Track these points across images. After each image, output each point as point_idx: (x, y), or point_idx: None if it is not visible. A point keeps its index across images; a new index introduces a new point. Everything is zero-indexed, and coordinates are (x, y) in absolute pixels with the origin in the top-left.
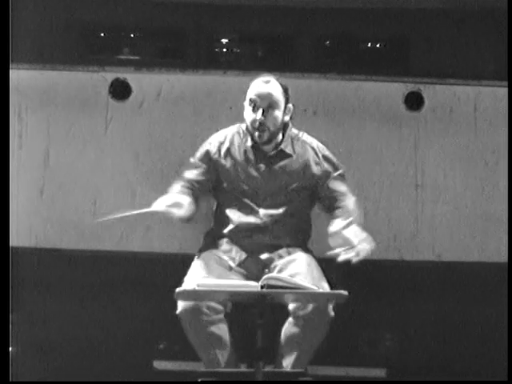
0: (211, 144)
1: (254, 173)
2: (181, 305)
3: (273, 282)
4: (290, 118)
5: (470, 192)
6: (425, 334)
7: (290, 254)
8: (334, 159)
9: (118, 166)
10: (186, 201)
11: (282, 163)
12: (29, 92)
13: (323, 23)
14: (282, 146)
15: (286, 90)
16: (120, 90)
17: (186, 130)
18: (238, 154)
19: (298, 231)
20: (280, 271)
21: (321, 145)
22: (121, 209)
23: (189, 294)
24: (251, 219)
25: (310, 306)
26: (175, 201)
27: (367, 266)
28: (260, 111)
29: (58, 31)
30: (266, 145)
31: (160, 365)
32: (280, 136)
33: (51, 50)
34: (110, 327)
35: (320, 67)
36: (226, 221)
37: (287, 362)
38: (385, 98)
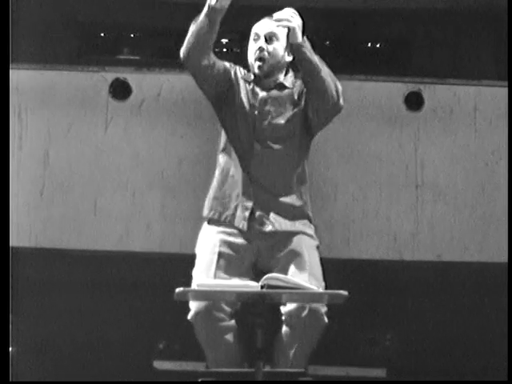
0: (232, 67)
1: (254, 103)
2: (193, 309)
3: (273, 282)
4: (293, 58)
5: (470, 192)
6: (425, 334)
7: (294, 237)
8: None
9: (118, 166)
10: None
11: (279, 94)
12: (29, 92)
13: (323, 23)
14: (282, 80)
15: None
16: (120, 90)
17: (186, 129)
18: (243, 86)
19: (297, 183)
20: (282, 269)
21: None
22: (121, 208)
23: (189, 294)
24: (249, 154)
25: (303, 314)
26: None
27: (367, 266)
28: (261, 39)
29: (58, 31)
30: (265, 78)
31: (160, 365)
32: (282, 75)
33: (51, 50)
34: (110, 327)
35: None
36: (227, 158)
37: (283, 366)
38: (385, 97)
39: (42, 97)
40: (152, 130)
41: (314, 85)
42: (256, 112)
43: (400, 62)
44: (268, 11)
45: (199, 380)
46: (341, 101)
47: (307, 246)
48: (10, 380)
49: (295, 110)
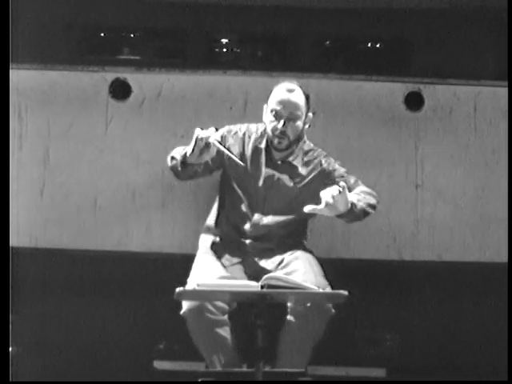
0: (229, 132)
1: (259, 174)
2: (185, 304)
3: (273, 282)
4: (309, 126)
5: (470, 192)
6: (425, 334)
7: (289, 253)
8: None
9: (118, 165)
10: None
11: (286, 174)
12: (29, 92)
13: (323, 23)
14: (291, 159)
15: (307, 99)
16: (120, 90)
17: (187, 129)
18: (249, 152)
19: (293, 237)
20: (282, 268)
21: (332, 160)
22: (121, 208)
23: (189, 294)
24: (246, 223)
25: (309, 304)
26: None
27: (367, 265)
28: (282, 121)
29: (58, 31)
30: (282, 151)
31: (160, 365)
32: (299, 145)
33: (51, 50)
34: (110, 327)
35: (320, 67)
36: (224, 220)
37: (286, 362)
38: (385, 97)
39: (42, 97)
40: (152, 130)
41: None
42: (258, 184)
43: (400, 62)
44: (268, 11)
45: (199, 380)
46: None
47: (304, 253)
48: (10, 380)
49: (301, 194)
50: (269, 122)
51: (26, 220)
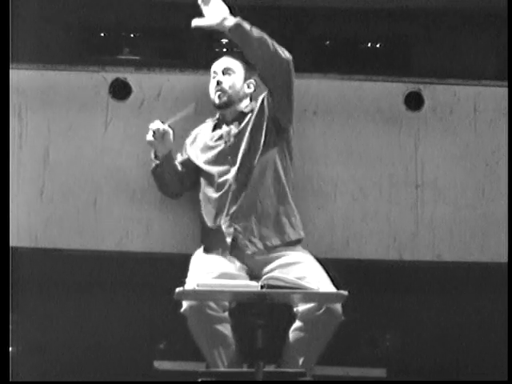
0: (187, 143)
1: (219, 136)
2: (186, 302)
3: (273, 282)
4: (254, 91)
5: (470, 192)
6: (425, 334)
7: (285, 254)
8: None
9: (118, 165)
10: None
11: (242, 124)
12: (29, 92)
13: (323, 23)
14: (239, 109)
15: (247, 67)
16: (120, 90)
17: (187, 129)
18: (206, 134)
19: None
20: (282, 268)
21: None
22: (121, 208)
23: (189, 294)
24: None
25: (321, 311)
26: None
27: (367, 266)
28: (218, 75)
29: (58, 31)
30: (225, 108)
31: (160, 365)
32: (242, 105)
33: (51, 50)
34: (110, 327)
35: (320, 67)
36: (204, 218)
37: (292, 365)
38: (385, 97)
39: (42, 97)
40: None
41: (268, 59)
42: (223, 151)
43: (400, 61)
44: (268, 11)
45: (199, 380)
46: (287, 54)
47: (299, 254)
48: (10, 380)
49: (262, 132)
50: (210, 85)
51: (26, 220)
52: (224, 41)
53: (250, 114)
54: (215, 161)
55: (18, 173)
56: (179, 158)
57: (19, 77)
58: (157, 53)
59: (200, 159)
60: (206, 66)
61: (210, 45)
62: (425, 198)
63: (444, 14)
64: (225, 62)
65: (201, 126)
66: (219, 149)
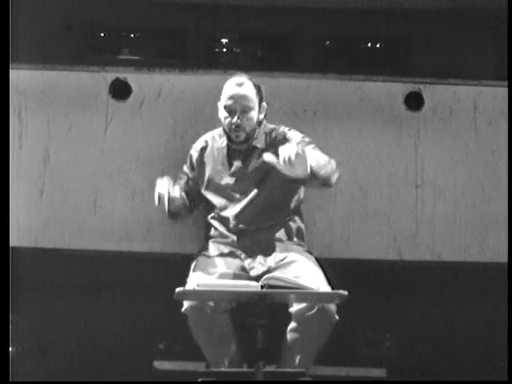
0: (195, 150)
1: (231, 171)
2: (186, 302)
3: (273, 282)
4: (265, 116)
5: (470, 192)
6: (425, 334)
7: (286, 251)
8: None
9: (118, 166)
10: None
11: (255, 159)
12: (29, 92)
13: (323, 23)
14: (254, 142)
15: (259, 90)
16: (120, 90)
17: (187, 129)
18: (217, 156)
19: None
20: (282, 268)
21: (297, 132)
22: (121, 208)
23: (189, 294)
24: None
25: (313, 311)
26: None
27: (367, 266)
28: (236, 116)
29: (58, 31)
30: (242, 144)
31: (160, 365)
32: (257, 140)
33: (51, 50)
34: (110, 327)
35: (320, 67)
36: (211, 226)
37: (290, 365)
38: (385, 98)
39: (42, 97)
40: (152, 130)
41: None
42: (233, 180)
43: (400, 62)
44: (268, 11)
45: (199, 380)
46: (334, 179)
47: (300, 253)
48: (10, 380)
49: (274, 174)
50: (224, 119)
51: (26, 220)
52: (224, 41)
53: (262, 149)
54: (227, 195)
55: (18, 173)
56: (182, 183)
57: (19, 77)
58: (157, 53)
59: (211, 185)
60: (206, 66)
61: (210, 45)
62: (425, 198)
63: (444, 14)
64: (243, 98)
65: (210, 134)
66: (231, 182)
